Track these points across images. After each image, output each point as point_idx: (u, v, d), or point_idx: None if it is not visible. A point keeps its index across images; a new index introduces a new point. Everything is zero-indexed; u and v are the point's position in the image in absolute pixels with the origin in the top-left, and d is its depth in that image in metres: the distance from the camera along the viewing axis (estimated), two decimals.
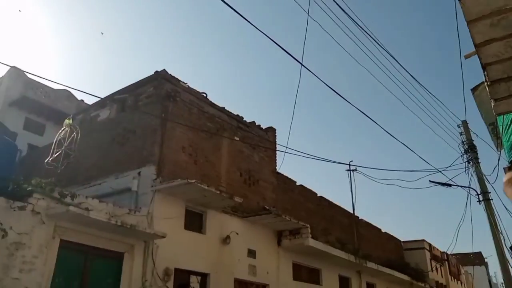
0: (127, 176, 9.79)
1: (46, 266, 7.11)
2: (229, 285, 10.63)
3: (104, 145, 11.05)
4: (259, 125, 13.73)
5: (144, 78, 11.09)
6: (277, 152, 14.05)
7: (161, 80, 10.71)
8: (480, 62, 3.41)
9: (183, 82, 11.18)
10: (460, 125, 15.86)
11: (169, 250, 9.17)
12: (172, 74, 10.94)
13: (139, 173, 9.63)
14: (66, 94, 19.52)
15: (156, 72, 10.80)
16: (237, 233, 11.09)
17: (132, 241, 8.58)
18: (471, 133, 15.45)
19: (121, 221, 7.90)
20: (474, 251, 29.64)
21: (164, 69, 10.82)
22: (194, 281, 9.86)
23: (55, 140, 8.91)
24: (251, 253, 11.63)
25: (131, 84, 11.34)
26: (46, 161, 8.55)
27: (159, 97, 10.44)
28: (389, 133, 15.86)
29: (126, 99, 11.35)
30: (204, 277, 10.09)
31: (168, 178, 9.49)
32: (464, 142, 15.18)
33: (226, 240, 10.79)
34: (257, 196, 12.52)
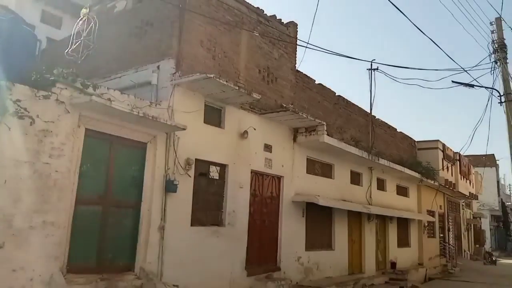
0: (147, 70, 9.83)
1: (74, 153, 7.54)
2: (246, 175, 11.23)
3: (123, 38, 10.91)
4: (280, 20, 13.22)
5: None
6: (297, 48, 13.73)
7: None
8: None
9: None
10: (493, 22, 15.05)
11: (190, 142, 9.57)
12: None
13: (158, 67, 9.65)
14: None
15: None
16: (255, 129, 11.39)
17: (154, 132, 8.93)
18: (505, 30, 14.74)
19: (143, 113, 8.15)
20: (488, 153, 29.96)
21: None
22: (214, 170, 10.43)
23: (73, 31, 8.85)
24: (268, 148, 12.06)
25: None
26: (66, 51, 8.59)
27: None
28: (413, 23, 15.28)
29: None
30: (223, 167, 10.64)
31: (187, 72, 9.51)
32: (495, 41, 14.56)
33: (243, 134, 11.13)
34: (275, 93, 12.57)
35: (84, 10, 8.72)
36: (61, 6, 18.20)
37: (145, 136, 8.88)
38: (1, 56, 7.00)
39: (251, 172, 11.45)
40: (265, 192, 12.11)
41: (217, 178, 10.50)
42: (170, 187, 8.90)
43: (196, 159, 9.77)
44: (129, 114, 7.99)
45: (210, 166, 10.33)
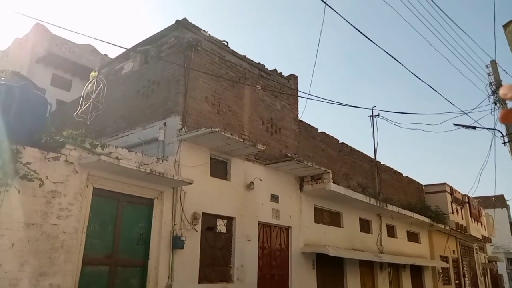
0: (154, 127, 10.07)
1: (82, 212, 7.60)
2: (253, 227, 11.14)
3: (130, 97, 11.28)
4: (281, 73, 13.64)
5: (165, 28, 11.04)
6: (299, 99, 14.05)
7: (182, 29, 10.65)
8: None
9: (204, 30, 11.09)
10: (489, 65, 15.42)
11: (196, 196, 9.60)
12: (193, 23, 10.84)
13: (165, 124, 9.89)
14: (90, 49, 19.63)
15: (177, 21, 10.72)
16: (260, 179, 11.44)
17: (161, 188, 9.00)
18: (500, 73, 15.07)
19: (150, 169, 8.26)
20: (496, 194, 29.62)
21: (185, 18, 10.72)
22: (221, 224, 10.38)
23: (83, 93, 9.17)
24: (274, 198, 12.04)
25: (153, 35, 11.32)
26: (75, 113, 8.86)
27: (181, 47, 10.45)
28: (412, 72, 15.63)
29: (148, 50, 11.39)
30: (230, 220, 10.59)
31: (192, 128, 9.73)
32: (492, 83, 14.84)
33: (250, 186, 11.16)
34: (279, 143, 12.72)
35: (93, 74, 9.08)
36: (70, 70, 18.99)
37: (152, 192, 8.94)
38: (13, 121, 7.24)
39: (258, 224, 11.37)
40: (274, 244, 11.94)
41: (225, 231, 10.43)
42: (177, 243, 8.84)
43: (203, 213, 9.76)
44: (137, 171, 8.10)
45: (217, 219, 10.29)
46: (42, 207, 7.01)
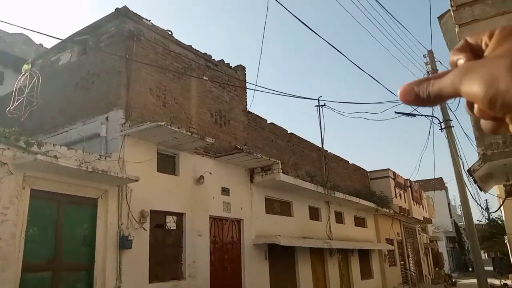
0: (95, 122, 9.56)
1: (19, 216, 7.08)
2: (204, 222, 10.97)
3: (68, 90, 10.62)
4: (228, 64, 13.45)
5: (105, 17, 10.46)
6: (247, 90, 13.94)
7: (123, 18, 10.15)
8: None
9: (146, 19, 10.64)
10: (426, 55, 16.11)
11: (143, 193, 9.26)
12: (134, 11, 10.36)
13: (107, 118, 9.41)
14: (23, 39, 18.23)
15: (117, 9, 10.20)
16: (210, 173, 11.26)
17: (105, 186, 8.58)
18: (436, 62, 15.82)
19: (92, 167, 7.83)
20: (436, 177, 31.31)
21: (125, 6, 10.22)
22: (170, 220, 10.11)
23: (15, 87, 8.48)
24: (225, 191, 11.91)
25: (92, 24, 10.69)
26: (7, 109, 8.19)
27: (122, 37, 9.96)
28: (356, 65, 15.98)
29: (87, 40, 10.76)
30: (180, 216, 10.34)
31: (137, 122, 9.34)
32: (429, 72, 15.54)
33: (199, 180, 10.95)
34: (228, 135, 12.57)
35: (25, 66, 8.41)
36: (2, 61, 17.57)
37: (96, 192, 8.50)
38: None
39: (209, 218, 11.21)
40: (225, 238, 11.84)
41: (175, 228, 10.17)
42: (124, 243, 8.49)
43: (151, 211, 9.44)
44: (77, 170, 7.66)
45: (167, 216, 10.01)
46: None
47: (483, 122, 0.47)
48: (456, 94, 0.45)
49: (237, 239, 12.21)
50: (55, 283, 7.48)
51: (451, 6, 3.52)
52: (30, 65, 8.66)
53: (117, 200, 8.77)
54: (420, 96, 0.48)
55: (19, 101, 8.22)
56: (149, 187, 9.40)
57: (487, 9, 3.42)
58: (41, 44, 18.65)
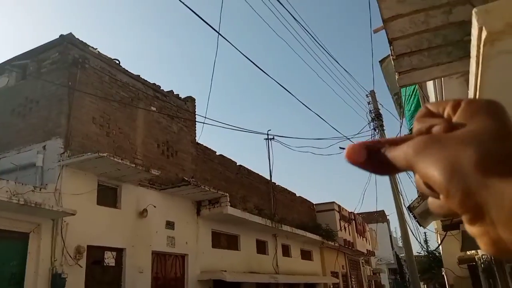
0: (31, 150, 9.00)
1: None
2: (146, 258, 10.47)
3: (4, 116, 9.99)
4: (178, 95, 13.31)
5: (48, 42, 10.08)
6: (196, 122, 13.81)
7: (67, 44, 9.81)
8: (387, 37, 3.54)
9: (92, 47, 10.36)
10: (369, 95, 16.87)
11: (81, 227, 8.72)
12: (80, 39, 10.06)
13: (44, 147, 8.90)
14: None
15: (62, 36, 9.86)
16: (155, 206, 10.86)
17: (38, 220, 8.00)
18: (378, 102, 16.59)
19: (24, 200, 7.31)
20: (378, 209, 32.25)
21: (71, 33, 9.91)
22: (109, 256, 9.55)
23: None
24: (170, 225, 11.51)
25: (33, 49, 10.25)
26: None
27: (66, 64, 9.60)
28: (302, 103, 16.38)
29: (27, 65, 10.26)
30: (120, 251, 9.81)
31: (77, 152, 8.89)
32: (371, 111, 16.26)
33: (143, 213, 10.52)
34: (175, 167, 12.29)
35: None
36: None
37: (27, 225, 7.90)
38: None
39: (152, 254, 10.72)
40: (169, 274, 11.35)
41: (114, 264, 9.62)
42: (57, 282, 7.88)
43: (88, 246, 8.87)
44: (8, 203, 7.09)
45: (105, 252, 9.46)
46: None
47: (431, 201, 0.41)
48: (409, 169, 0.39)
49: (180, 275, 11.74)
50: None
51: (392, 55, 3.70)
52: None
53: (51, 235, 8.19)
54: (369, 161, 0.42)
55: None
56: (87, 221, 8.88)
57: (423, 59, 3.61)
58: None
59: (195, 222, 12.67)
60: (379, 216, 41.84)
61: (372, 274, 36.10)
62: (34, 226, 7.98)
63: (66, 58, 9.65)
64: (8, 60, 10.43)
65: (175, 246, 11.53)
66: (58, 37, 9.85)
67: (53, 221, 8.27)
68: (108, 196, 9.84)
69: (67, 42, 9.78)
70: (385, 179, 15.16)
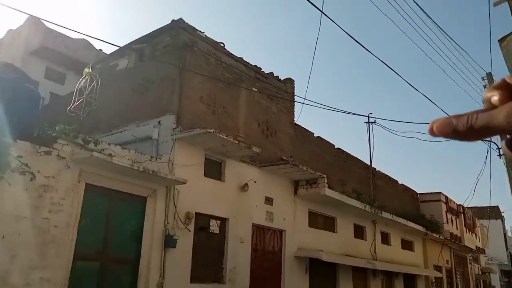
0: (148, 125, 10.03)
1: (73, 207, 7.51)
2: (247, 229, 11.06)
3: (124, 94, 11.25)
4: (277, 76, 13.66)
5: (161, 27, 11.06)
6: (295, 103, 14.06)
7: (178, 29, 10.67)
8: (510, 8, 3.33)
9: (200, 31, 11.11)
10: (485, 78, 15.56)
11: (190, 196, 9.53)
12: (189, 23, 10.87)
13: (159, 122, 9.85)
14: (84, 44, 19.54)
15: (173, 21, 10.74)
16: (255, 182, 11.39)
17: (154, 186, 8.93)
18: None
19: (143, 167, 8.20)
20: (491, 205, 29.65)
21: (181, 18, 10.75)
22: (214, 224, 10.30)
23: (76, 88, 9.12)
24: (269, 201, 11.97)
25: (149, 34, 11.33)
26: (68, 108, 8.80)
27: (176, 47, 10.45)
28: (409, 83, 15.67)
29: (144, 48, 11.40)
30: (223, 221, 10.51)
31: (187, 128, 9.70)
32: None
33: (244, 187, 11.10)
34: (274, 146, 12.70)
35: (86, 70, 9.05)
36: (64, 63, 18.90)
37: (145, 190, 8.86)
38: (4, 114, 7.17)
39: (252, 226, 11.29)
40: (267, 247, 11.85)
41: (218, 232, 10.34)
42: (169, 242, 8.75)
43: (196, 213, 9.68)
44: (130, 169, 8.04)
45: (211, 220, 10.22)
46: (33, 201, 6.93)
47: None
48: (498, 131, 0.45)
49: (278, 249, 12.18)
50: (102, 274, 7.83)
51: None
52: (90, 68, 9.29)
53: (164, 200, 9.08)
54: (459, 129, 0.48)
55: (79, 101, 8.82)
56: (195, 190, 9.67)
57: None
58: (101, 50, 19.84)
59: (292, 200, 12.98)
60: (492, 212, 38.44)
61: (481, 273, 33.39)
62: (151, 192, 8.93)
63: (177, 41, 10.50)
64: (127, 44, 11.66)
65: (273, 221, 11.98)
66: (170, 22, 10.74)
67: (166, 188, 9.16)
68: (213, 169, 10.57)
69: (178, 26, 10.64)
70: (502, 170, 13.93)
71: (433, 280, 22.06)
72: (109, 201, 8.30)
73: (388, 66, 11.12)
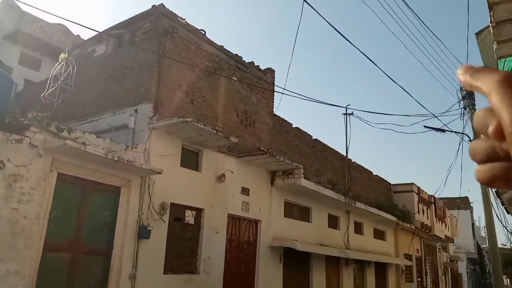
0: (124, 113, 9.84)
1: (44, 197, 7.35)
2: (222, 219, 11.09)
3: (101, 81, 10.98)
4: (258, 66, 13.56)
5: (141, 13, 10.77)
6: (274, 94, 14.01)
7: (159, 15, 10.41)
8: (487, 2, 3.33)
9: (181, 18, 10.88)
10: None
11: (165, 186, 9.45)
12: (170, 9, 10.61)
13: (136, 110, 9.67)
14: (61, 29, 18.92)
15: (154, 6, 10.47)
16: (232, 172, 11.38)
17: (129, 176, 8.81)
18: None
19: (118, 157, 8.06)
20: (461, 195, 30.57)
21: (162, 4, 10.48)
22: (189, 215, 10.27)
23: (51, 74, 8.85)
24: (245, 191, 12.00)
25: (128, 19, 11.03)
26: (42, 95, 8.54)
27: (156, 33, 10.22)
28: (386, 75, 15.81)
29: (122, 34, 11.09)
30: (199, 211, 10.50)
31: (165, 116, 9.55)
32: (463, 88, 15.20)
33: (221, 178, 11.08)
34: (252, 137, 12.67)
35: (62, 55, 8.77)
36: (40, 49, 18.29)
37: (119, 180, 8.74)
38: None
39: (228, 216, 11.32)
40: (242, 237, 11.93)
41: (193, 223, 10.33)
42: (143, 233, 8.70)
43: (171, 203, 9.62)
44: (104, 158, 7.89)
45: (186, 210, 10.18)
46: (2, 191, 6.74)
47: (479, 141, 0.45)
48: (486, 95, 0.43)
49: (253, 239, 12.27)
50: (73, 265, 7.74)
51: (491, 22, 3.45)
52: (67, 54, 9.01)
53: (139, 191, 8.99)
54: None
55: (53, 88, 8.57)
56: (171, 181, 9.59)
57: None
58: (78, 35, 19.28)
59: (268, 191, 13.05)
60: (462, 203, 39.59)
61: (449, 261, 34.56)
62: (125, 182, 8.81)
63: (157, 27, 10.26)
64: (106, 30, 11.34)
65: (249, 212, 12.04)
66: (150, 7, 10.47)
67: (141, 178, 9.06)
68: (190, 160, 10.50)
69: (158, 12, 10.38)
70: (472, 163, 14.29)
71: (403, 269, 22.71)
72: (82, 191, 8.16)
73: (365, 55, 11.18)
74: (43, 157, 7.39)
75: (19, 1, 8.20)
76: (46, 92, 8.53)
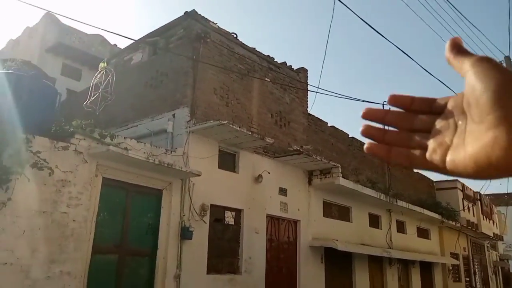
0: (162, 118, 10.10)
1: (91, 201, 7.65)
2: (261, 220, 11.13)
3: (139, 88, 11.33)
4: (290, 66, 13.58)
5: (174, 20, 11.06)
6: (308, 93, 13.98)
7: (191, 21, 10.65)
8: None
9: (213, 22, 11.08)
10: (503, 61, 15.21)
11: (205, 188, 9.61)
12: (202, 15, 10.83)
13: (173, 115, 9.91)
14: (99, 39, 19.72)
15: (186, 12, 10.72)
16: (269, 172, 11.41)
17: (169, 179, 9.02)
18: None
19: (158, 160, 8.29)
20: (509, 191, 29.20)
21: (194, 10, 10.72)
22: (229, 216, 10.39)
23: (92, 83, 9.23)
24: (282, 191, 12.00)
25: (162, 26, 11.35)
26: (84, 103, 8.92)
27: (190, 39, 10.45)
28: (424, 69, 15.41)
29: (157, 41, 11.42)
30: (238, 212, 10.60)
31: (201, 120, 9.74)
32: None
33: (258, 178, 11.14)
34: (288, 137, 12.68)
35: (102, 64, 9.14)
36: (80, 59, 19.16)
37: (161, 183, 8.97)
38: (23, 110, 7.29)
39: (266, 217, 11.35)
40: (282, 237, 11.92)
41: (233, 223, 10.44)
42: (186, 234, 8.87)
43: (211, 205, 9.77)
44: (145, 162, 8.13)
45: (225, 211, 10.30)
46: (52, 196, 7.07)
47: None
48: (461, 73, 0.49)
49: (293, 239, 12.24)
50: (120, 266, 7.99)
51: None
52: (105, 63, 9.37)
53: (180, 193, 9.18)
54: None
55: (94, 96, 8.93)
56: (210, 182, 9.74)
57: None
58: (115, 45, 19.99)
59: (306, 190, 12.99)
60: (510, 199, 37.85)
61: (499, 260, 33.09)
62: (167, 184, 9.03)
63: (190, 33, 10.50)
64: (141, 38, 11.70)
65: (288, 212, 12.02)
66: (183, 14, 10.73)
67: (181, 180, 9.25)
68: (227, 161, 10.63)
69: (190, 18, 10.62)
70: None
71: (450, 268, 21.94)
72: (126, 195, 8.43)
73: (400, 49, 10.96)
74: (88, 163, 7.69)
75: (60, 15, 8.61)
76: (88, 100, 8.90)
